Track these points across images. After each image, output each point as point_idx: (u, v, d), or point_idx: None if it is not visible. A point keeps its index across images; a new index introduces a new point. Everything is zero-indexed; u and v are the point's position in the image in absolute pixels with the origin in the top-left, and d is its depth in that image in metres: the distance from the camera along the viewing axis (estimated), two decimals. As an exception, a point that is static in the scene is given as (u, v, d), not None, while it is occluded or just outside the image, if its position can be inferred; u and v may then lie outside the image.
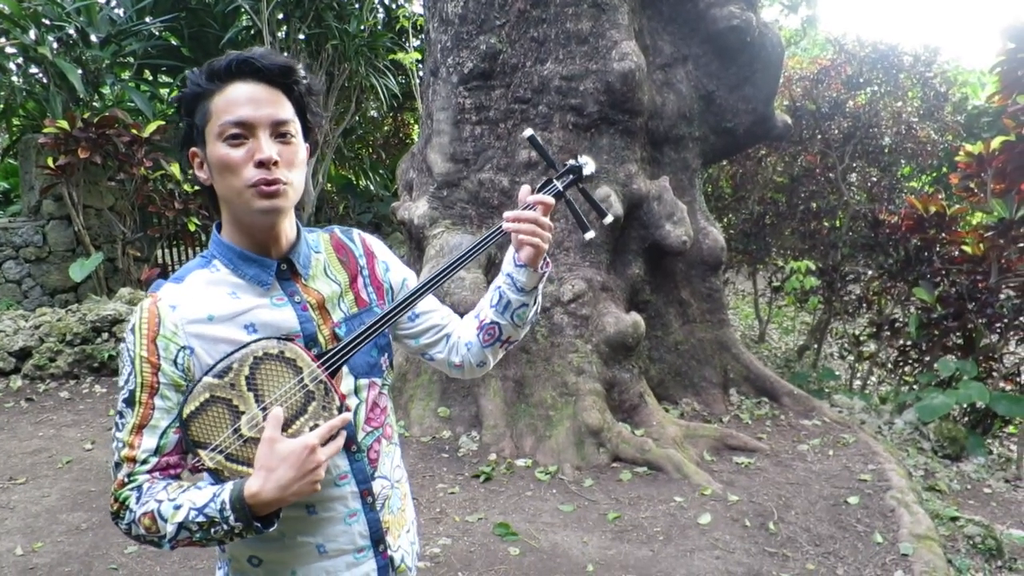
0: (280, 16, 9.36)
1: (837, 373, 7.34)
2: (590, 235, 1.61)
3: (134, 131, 7.60)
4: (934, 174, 9.84)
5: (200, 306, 1.28)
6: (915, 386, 6.11)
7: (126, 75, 9.57)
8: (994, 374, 5.64)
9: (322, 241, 1.45)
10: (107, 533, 3.82)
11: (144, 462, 1.25)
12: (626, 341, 4.87)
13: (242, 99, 1.24)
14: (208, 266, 1.33)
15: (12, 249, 8.00)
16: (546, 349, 4.92)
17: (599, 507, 4.06)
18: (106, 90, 9.17)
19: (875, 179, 8.00)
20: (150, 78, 10.24)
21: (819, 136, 7.62)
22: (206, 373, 1.22)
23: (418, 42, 10.39)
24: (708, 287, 5.86)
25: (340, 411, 1.28)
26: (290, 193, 1.28)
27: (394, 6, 11.09)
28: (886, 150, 7.59)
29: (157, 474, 1.26)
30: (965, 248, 5.67)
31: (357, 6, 9.90)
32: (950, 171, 7.26)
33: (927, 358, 6.08)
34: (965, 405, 5.52)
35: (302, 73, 1.31)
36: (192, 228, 8.48)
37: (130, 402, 1.25)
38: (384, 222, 11.53)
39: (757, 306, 9.36)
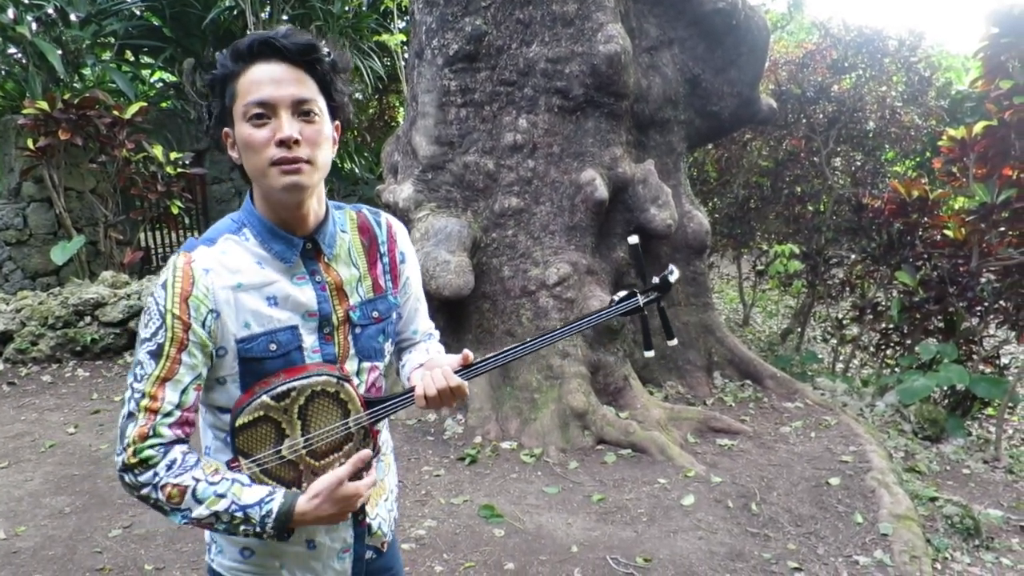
0: (263, -4, 9.26)
1: (820, 356, 7.40)
2: (650, 354, 1.71)
3: (115, 112, 7.52)
4: (918, 159, 9.89)
5: (231, 273, 1.31)
6: (897, 369, 6.18)
7: (107, 56, 9.45)
8: (974, 357, 5.71)
9: (348, 220, 1.48)
10: (91, 517, 3.81)
11: (168, 414, 1.26)
12: (611, 324, 4.89)
13: (264, 79, 1.26)
14: (238, 232, 1.35)
15: (-8, 232, 7.92)
16: (531, 332, 4.93)
17: (584, 489, 4.09)
18: (87, 71, 9.06)
19: (859, 163, 8.04)
20: (132, 59, 10.12)
21: (804, 120, 7.64)
22: (266, 392, 1.29)
23: (403, 23, 10.30)
24: (693, 270, 5.88)
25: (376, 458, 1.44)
26: (313, 172, 1.31)
27: (379, -13, 10.98)
28: (870, 134, 7.62)
29: (176, 429, 1.28)
30: (947, 232, 5.72)
31: (341, -14, 9.81)
32: (933, 156, 7.30)
33: (909, 341, 6.14)
34: (945, 387, 5.59)
35: (325, 51, 1.31)
36: (175, 211, 8.41)
37: (156, 355, 1.25)
38: (369, 205, 11.47)
39: (742, 290, 9.41)
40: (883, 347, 6.58)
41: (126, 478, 1.26)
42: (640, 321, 1.61)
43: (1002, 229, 5.47)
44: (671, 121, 5.74)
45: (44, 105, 7.10)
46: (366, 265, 1.47)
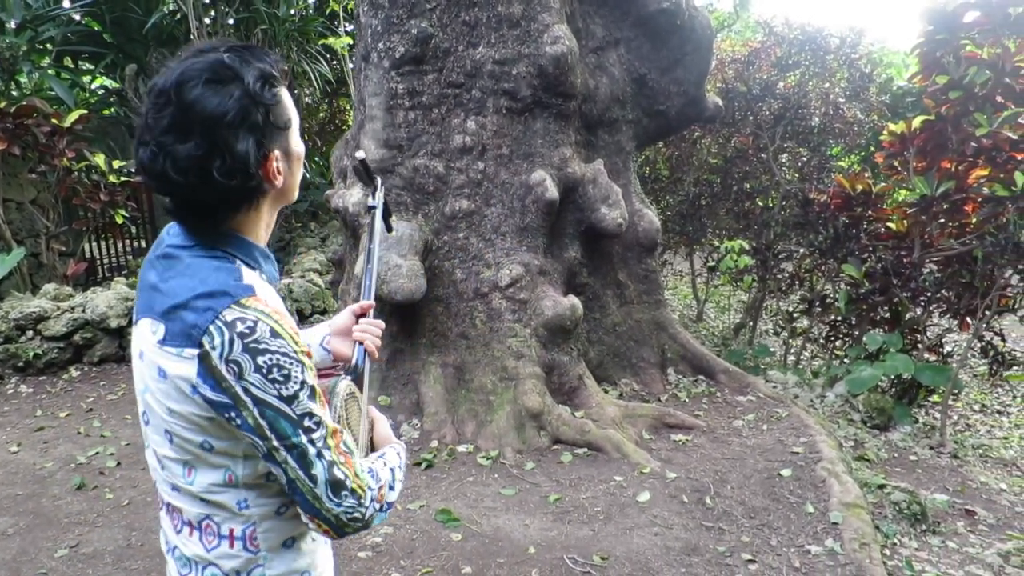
0: (206, 0, 9.09)
1: (772, 349, 7.53)
2: (395, 233, 1.92)
3: (54, 120, 7.32)
4: (862, 153, 10.13)
5: (276, 299, 1.29)
6: (845, 360, 6.31)
7: (45, 62, 9.19)
8: (919, 346, 5.85)
9: None
10: (36, 537, 3.70)
11: (340, 432, 1.24)
12: (564, 324, 4.90)
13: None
14: (235, 263, 1.25)
15: (-73, 246, 7.64)
16: (485, 334, 4.92)
17: (540, 490, 4.09)
18: (23, 78, 8.79)
19: (805, 159, 8.19)
20: (71, 65, 9.85)
21: (751, 118, 7.75)
22: (342, 378, 1.37)
23: (350, 26, 10.22)
24: (644, 268, 5.92)
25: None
26: None
27: (325, -10, 10.87)
28: (815, 130, 7.77)
29: None
30: (890, 225, 5.86)
31: (287, -11, 9.69)
32: (876, 150, 7.47)
33: (856, 332, 6.27)
34: (892, 377, 5.71)
35: None
36: (120, 220, 8.23)
37: (313, 395, 1.19)
38: (321, 210, 11.36)
39: (695, 286, 9.52)
40: (832, 339, 6.72)
41: (358, 513, 1.22)
42: (381, 211, 1.84)
43: (942, 221, 5.62)
44: (619, 121, 5.78)
45: (-22, 114, 6.89)
46: None
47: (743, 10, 15.49)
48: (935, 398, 6.03)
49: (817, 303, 6.74)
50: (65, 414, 5.48)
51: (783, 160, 8.28)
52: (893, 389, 5.88)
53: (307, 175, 12.21)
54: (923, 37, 5.63)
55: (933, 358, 5.89)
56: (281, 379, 1.14)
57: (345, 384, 1.36)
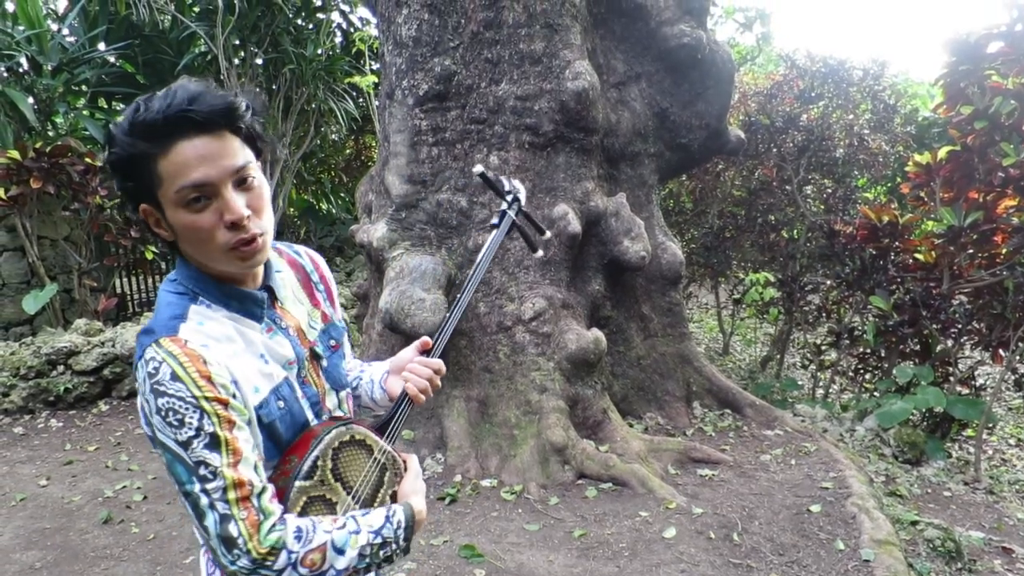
0: (236, 42, 9.32)
1: (800, 383, 7.43)
2: (539, 254, 1.84)
3: (88, 160, 7.49)
4: (887, 184, 10.06)
5: (221, 342, 1.22)
6: (875, 393, 6.20)
7: (80, 103, 9.45)
8: (950, 379, 5.75)
9: (274, 258, 1.42)
10: (63, 571, 3.72)
11: (262, 491, 1.17)
12: (588, 357, 4.88)
13: (193, 159, 1.13)
14: (196, 301, 1.25)
15: (-36, 283, 7.82)
16: (508, 368, 4.91)
17: (565, 525, 4.05)
18: (59, 119, 9.03)
19: (830, 190, 8.15)
20: (105, 106, 10.11)
21: (775, 150, 7.75)
22: (296, 477, 1.24)
23: (376, 64, 10.41)
24: (668, 301, 5.90)
25: (405, 469, 1.42)
26: (266, 240, 1.24)
27: (351, 30, 11.10)
28: (840, 162, 7.75)
29: (276, 502, 1.19)
30: (918, 256, 5.79)
31: (314, 30, 9.90)
32: (902, 181, 7.42)
33: (886, 365, 6.18)
34: (923, 410, 5.61)
35: (244, 106, 1.20)
36: (150, 256, 8.37)
37: (214, 445, 1.13)
38: (346, 245, 11.48)
39: (720, 319, 9.45)
40: (861, 371, 6.62)
41: (258, 573, 1.14)
42: (519, 231, 1.73)
43: (971, 251, 5.55)
44: (641, 154, 5.80)
45: (16, 154, 7.07)
46: (308, 297, 1.46)
47: (765, 44, 15.55)
48: (968, 432, 5.90)
49: (845, 335, 6.66)
50: (94, 448, 5.54)
51: (808, 192, 8.25)
52: (925, 423, 5.77)
53: (332, 210, 12.37)
54: (947, 68, 5.61)
55: (965, 391, 5.77)
56: (176, 423, 1.12)
57: (337, 433, 1.29)
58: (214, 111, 1.15)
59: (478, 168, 1.68)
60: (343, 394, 1.46)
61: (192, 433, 1.12)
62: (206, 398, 1.13)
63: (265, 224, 1.23)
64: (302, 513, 1.23)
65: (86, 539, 4.08)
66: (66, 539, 4.10)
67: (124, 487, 4.78)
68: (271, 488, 1.20)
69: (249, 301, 1.29)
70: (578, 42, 5.10)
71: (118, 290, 9.25)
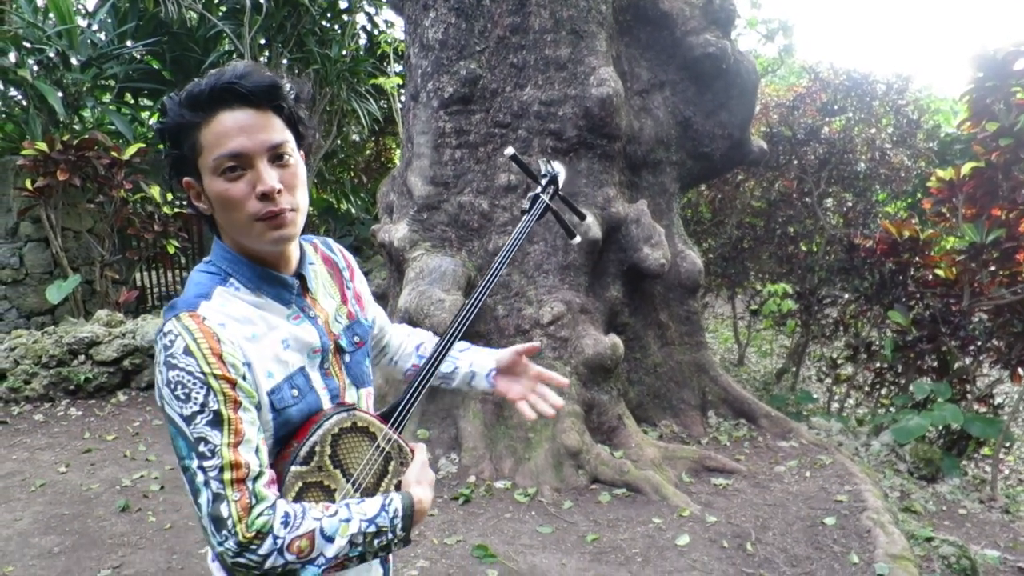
0: (262, 41, 9.41)
1: (815, 396, 7.40)
2: (577, 240, 1.83)
3: (114, 153, 7.58)
4: (908, 199, 10.00)
5: (241, 324, 1.24)
6: (891, 408, 6.18)
7: (107, 98, 9.57)
8: (968, 396, 5.71)
9: (309, 251, 1.44)
10: (80, 557, 3.77)
11: (258, 476, 1.17)
12: (605, 363, 4.89)
13: (232, 129, 1.19)
14: (226, 283, 1.28)
15: (-12, 271, 7.93)
16: (525, 371, 4.92)
17: (578, 529, 4.06)
18: (86, 113, 9.16)
19: (850, 204, 8.11)
20: (131, 101, 10.24)
21: (795, 162, 7.73)
22: (293, 462, 1.23)
23: (400, 67, 10.48)
24: (686, 310, 5.90)
25: (412, 458, 1.40)
26: (297, 218, 1.26)
27: (376, 32, 11.18)
28: (861, 176, 7.71)
29: (272, 487, 1.19)
30: (938, 272, 5.77)
31: (339, 31, 9.98)
32: (924, 196, 7.39)
33: (903, 380, 6.15)
34: (940, 427, 5.58)
35: (288, 87, 1.26)
36: (171, 251, 8.45)
37: (216, 423, 1.15)
38: (365, 245, 11.53)
39: (736, 329, 9.42)
40: (878, 386, 6.59)
41: (244, 559, 1.14)
42: (554, 215, 1.72)
43: (992, 269, 5.52)
44: (663, 162, 5.81)
45: (43, 146, 7.17)
46: (338, 292, 1.47)
47: (787, 55, 15.52)
48: (985, 451, 5.86)
49: (862, 350, 6.63)
50: (112, 437, 5.60)
51: (828, 205, 8.22)
52: (941, 440, 5.73)
53: (352, 210, 12.44)
54: (973, 84, 5.60)
55: (983, 409, 5.74)
56: (183, 397, 1.15)
57: (338, 419, 1.28)
58: (259, 86, 1.20)
59: (509, 150, 1.68)
60: (363, 391, 1.46)
61: (196, 408, 1.14)
62: (214, 375, 1.15)
63: (298, 201, 1.26)
64: (297, 499, 1.22)
65: (103, 526, 4.13)
66: (84, 525, 4.15)
67: (142, 476, 4.83)
68: (269, 473, 1.20)
69: (280, 285, 1.31)
70: (603, 49, 5.12)
71: (139, 283, 9.34)
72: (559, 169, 1.72)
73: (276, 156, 1.23)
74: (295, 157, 1.27)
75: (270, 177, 1.21)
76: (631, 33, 5.66)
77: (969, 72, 5.61)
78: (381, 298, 6.19)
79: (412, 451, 1.42)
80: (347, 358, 1.43)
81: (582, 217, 1.87)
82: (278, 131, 1.23)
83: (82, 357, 6.58)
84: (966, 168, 5.51)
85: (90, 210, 8.13)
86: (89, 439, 5.58)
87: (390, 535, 1.25)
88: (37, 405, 6.30)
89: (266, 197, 1.21)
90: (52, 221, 7.70)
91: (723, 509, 4.30)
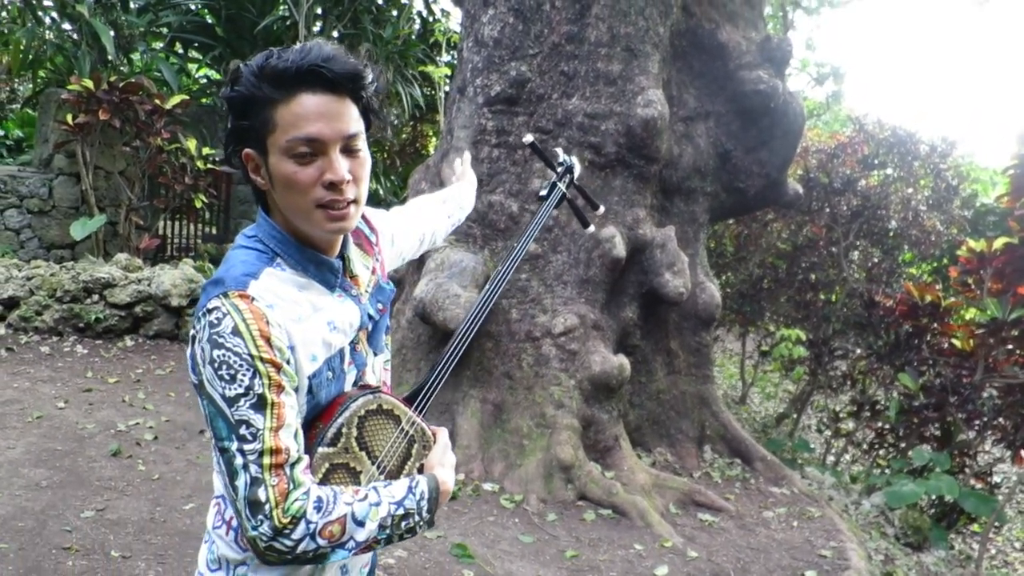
0: (318, 11, 9.46)
1: (812, 446, 7.35)
2: (591, 230, 1.90)
3: (157, 101, 7.66)
4: (934, 264, 9.93)
5: (290, 306, 1.21)
6: (887, 470, 6.13)
7: (158, 45, 9.67)
8: (966, 470, 5.67)
9: None
10: (66, 495, 3.81)
11: (296, 462, 1.15)
12: (610, 382, 4.88)
13: (312, 113, 1.16)
14: (273, 263, 1.25)
15: (16, 198, 8.02)
16: (529, 378, 4.93)
17: (559, 543, 4.05)
18: (136, 57, 9.24)
19: (876, 260, 8.08)
20: (181, 51, 10.33)
21: (828, 210, 7.70)
22: (320, 443, 1.22)
23: (449, 57, 10.50)
24: (698, 341, 5.88)
25: (434, 442, 1.41)
26: (356, 211, 1.25)
27: (431, 19, 11.22)
28: (891, 234, 7.67)
29: (308, 473, 1.18)
30: (955, 342, 5.72)
31: (395, 14, 10.02)
32: (950, 263, 7.34)
33: (903, 444, 6.10)
34: (934, 496, 5.53)
35: (370, 77, 1.24)
36: (198, 205, 8.51)
37: (260, 406, 1.13)
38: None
39: (743, 367, 9.38)
40: (876, 446, 6.54)
41: (279, 544, 1.13)
42: (569, 204, 1.76)
43: (1010, 347, 5.47)
44: (697, 191, 5.80)
45: (89, 84, 7.24)
46: (371, 262, 1.46)
47: (836, 102, 15.45)
48: (975, 527, 5.81)
49: (867, 408, 6.59)
50: (114, 380, 5.65)
51: (854, 257, 8.18)
52: (933, 509, 5.69)
53: (380, 191, 12.48)
54: (1017, 160, 5.55)
55: (980, 485, 5.69)
56: (228, 378, 1.12)
57: (364, 400, 1.27)
58: (345, 73, 1.18)
59: (528, 137, 1.69)
60: (380, 359, 1.44)
61: (241, 391, 1.12)
62: (261, 359, 1.13)
63: (361, 194, 1.25)
64: (324, 480, 1.21)
65: (93, 467, 4.17)
66: (74, 464, 4.19)
67: (137, 424, 4.87)
68: (306, 459, 1.19)
69: (326, 268, 1.30)
70: (655, 71, 5.12)
71: (161, 232, 9.41)
72: (574, 161, 1.75)
73: (348, 146, 1.21)
74: (365, 149, 1.25)
75: (342, 167, 1.19)
76: (684, 59, 5.65)
77: (1015, 148, 5.58)
78: (397, 283, 6.21)
79: (434, 434, 1.41)
80: (371, 326, 1.41)
81: (596, 207, 1.90)
82: (355, 121, 1.22)
83: (96, 297, 6.64)
84: (999, 243, 5.46)
85: (125, 153, 8.21)
86: (91, 379, 5.63)
87: (416, 517, 1.25)
88: (45, 337, 6.35)
89: (334, 186, 1.19)
90: (86, 158, 7.78)
91: (706, 546, 4.28)
